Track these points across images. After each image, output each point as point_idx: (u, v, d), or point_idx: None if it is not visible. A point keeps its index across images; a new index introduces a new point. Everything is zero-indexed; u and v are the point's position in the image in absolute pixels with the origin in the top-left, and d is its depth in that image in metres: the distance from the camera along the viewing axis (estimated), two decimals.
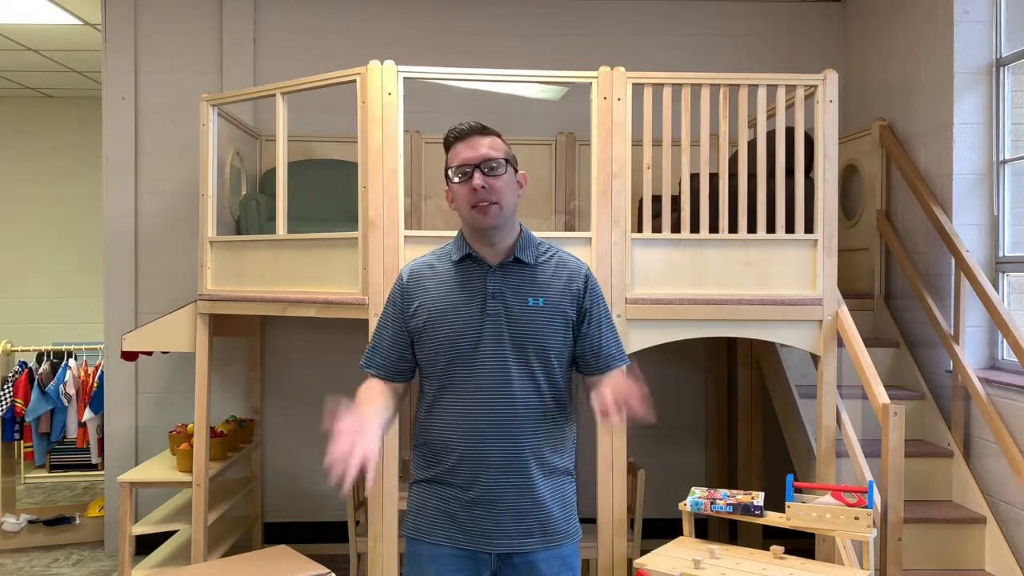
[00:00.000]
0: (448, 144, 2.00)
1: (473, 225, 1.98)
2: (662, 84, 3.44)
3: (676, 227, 3.47)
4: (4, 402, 5.22)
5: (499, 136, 2.00)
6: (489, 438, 1.93)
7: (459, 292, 1.99)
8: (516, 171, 2.02)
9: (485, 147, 1.95)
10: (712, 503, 3.11)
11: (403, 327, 2.03)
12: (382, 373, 2.05)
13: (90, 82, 7.17)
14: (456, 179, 1.96)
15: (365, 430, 1.74)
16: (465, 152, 1.95)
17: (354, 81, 3.38)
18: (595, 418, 1.84)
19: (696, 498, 3.14)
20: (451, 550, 1.97)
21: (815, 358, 3.48)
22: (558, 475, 2.01)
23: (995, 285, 3.86)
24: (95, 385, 5.47)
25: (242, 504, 4.78)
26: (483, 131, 1.98)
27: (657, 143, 3.52)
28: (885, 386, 3.29)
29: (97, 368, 5.46)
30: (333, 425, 1.70)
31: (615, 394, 1.78)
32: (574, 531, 2.05)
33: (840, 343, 3.46)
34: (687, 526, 3.20)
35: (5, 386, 5.27)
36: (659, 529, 4.28)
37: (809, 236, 3.44)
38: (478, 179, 1.92)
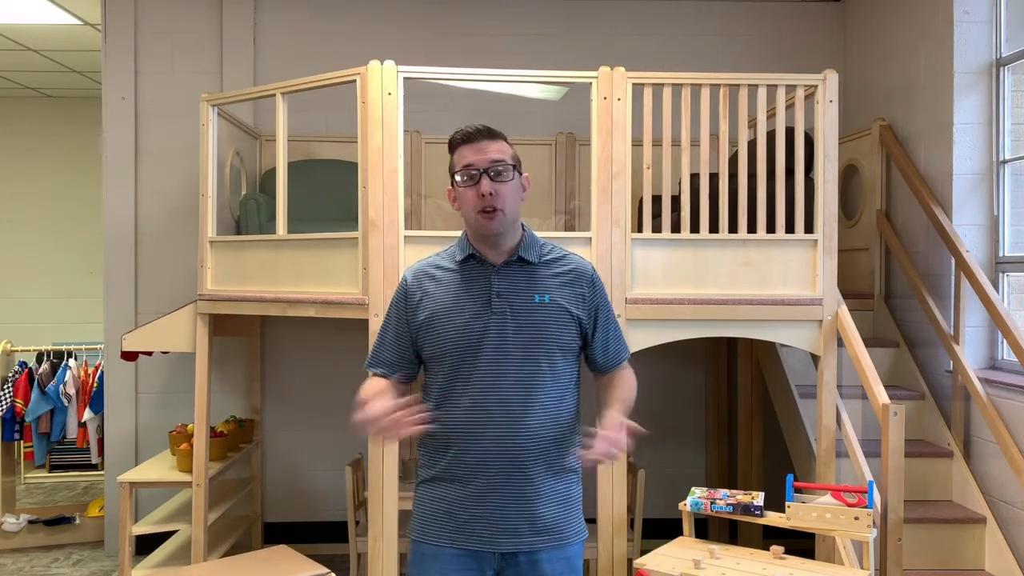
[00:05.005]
0: (454, 145, 1.99)
1: (478, 230, 1.97)
2: (662, 84, 3.44)
3: (676, 227, 3.47)
4: (4, 402, 5.22)
5: (505, 139, 1.99)
6: (493, 436, 1.93)
7: (463, 291, 1.99)
8: (521, 174, 2.01)
9: (493, 151, 1.94)
10: (712, 503, 3.11)
11: (406, 327, 2.03)
12: (386, 372, 2.06)
13: (90, 82, 7.17)
14: (462, 182, 1.95)
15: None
16: (472, 155, 1.94)
17: (354, 81, 3.38)
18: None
19: (696, 498, 3.14)
20: (454, 550, 1.97)
21: (815, 358, 3.48)
22: (563, 473, 2.01)
23: (995, 285, 3.86)
24: (95, 385, 5.46)
25: (242, 504, 4.78)
26: (490, 135, 1.97)
27: (657, 143, 3.52)
28: (885, 386, 3.29)
29: (97, 368, 5.46)
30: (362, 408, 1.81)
31: (604, 444, 1.82)
32: (579, 531, 2.05)
33: (840, 343, 3.46)
34: (687, 526, 3.20)
35: (5, 386, 5.27)
36: (659, 529, 4.29)
37: (809, 236, 3.44)
38: (486, 185, 1.92)
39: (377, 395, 1.91)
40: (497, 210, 1.93)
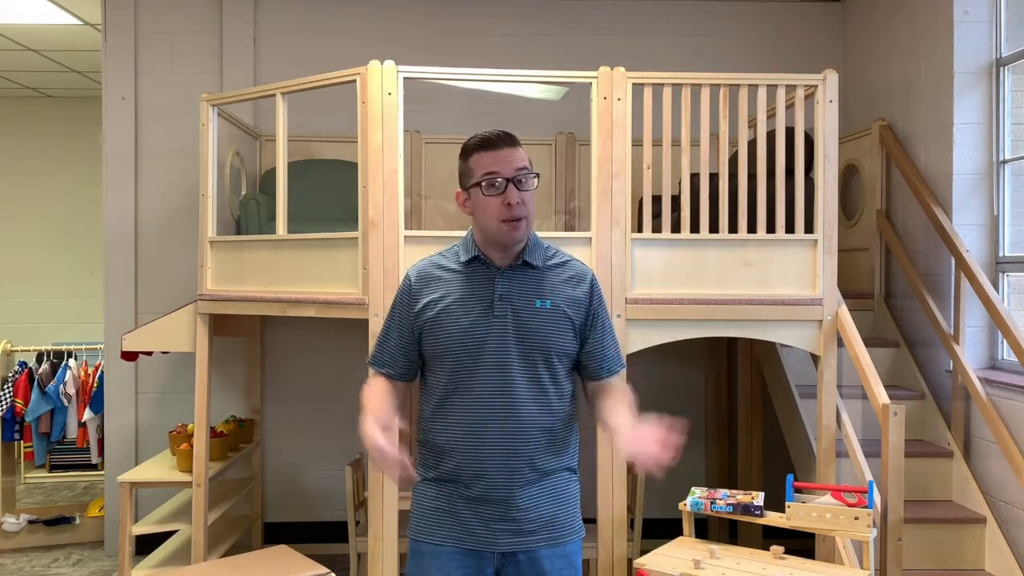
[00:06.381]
0: (471, 150, 1.98)
1: (499, 239, 1.96)
2: (662, 84, 3.44)
3: (676, 227, 3.46)
4: (4, 402, 5.22)
5: (520, 145, 1.98)
6: (493, 437, 1.94)
7: (467, 293, 1.99)
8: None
9: (516, 160, 1.94)
10: (712, 503, 3.11)
11: (410, 327, 2.03)
12: (389, 372, 2.06)
13: (90, 82, 7.17)
14: (486, 190, 1.93)
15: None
16: (495, 163, 1.93)
17: (354, 81, 3.38)
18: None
19: (696, 498, 3.14)
20: (454, 549, 1.97)
21: (815, 358, 3.48)
22: (561, 473, 2.02)
23: (995, 285, 3.86)
24: (95, 385, 5.46)
25: (242, 504, 4.78)
26: (511, 141, 1.96)
27: (657, 143, 3.52)
28: (885, 386, 3.28)
29: (97, 368, 5.46)
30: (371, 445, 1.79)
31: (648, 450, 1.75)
32: (577, 529, 2.05)
33: (840, 343, 3.46)
34: (687, 526, 3.20)
35: (5, 386, 5.27)
36: (659, 529, 4.28)
37: (809, 236, 3.44)
38: (514, 195, 1.91)
39: (381, 405, 1.94)
40: (522, 219, 1.93)
